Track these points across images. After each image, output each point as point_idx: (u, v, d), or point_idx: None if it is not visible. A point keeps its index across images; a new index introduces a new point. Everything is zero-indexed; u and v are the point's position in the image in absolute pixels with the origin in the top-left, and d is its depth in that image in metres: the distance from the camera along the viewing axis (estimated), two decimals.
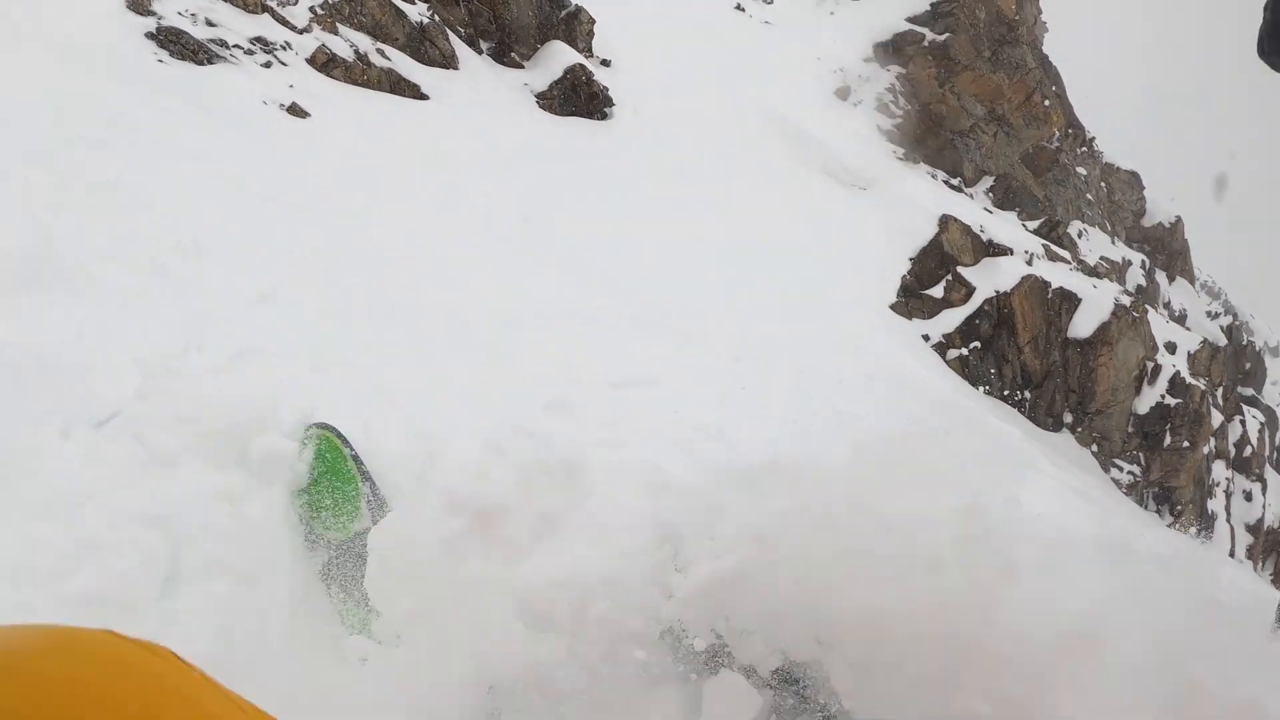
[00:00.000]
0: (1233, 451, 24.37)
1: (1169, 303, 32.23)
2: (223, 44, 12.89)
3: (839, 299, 16.13)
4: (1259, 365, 33.93)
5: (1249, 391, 31.04)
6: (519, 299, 8.60)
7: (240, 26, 13.46)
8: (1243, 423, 25.98)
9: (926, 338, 17.73)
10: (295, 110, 12.40)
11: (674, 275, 13.14)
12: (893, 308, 17.63)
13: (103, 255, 5.01)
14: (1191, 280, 36.36)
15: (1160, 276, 32.68)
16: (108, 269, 4.90)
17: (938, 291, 18.54)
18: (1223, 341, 30.07)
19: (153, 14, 12.47)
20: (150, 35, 12.05)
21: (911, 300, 18.09)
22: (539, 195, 13.43)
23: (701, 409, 7.03)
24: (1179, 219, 35.28)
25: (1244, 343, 33.48)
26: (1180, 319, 31.73)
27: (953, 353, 17.82)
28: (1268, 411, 30.86)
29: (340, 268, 7.05)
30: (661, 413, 6.54)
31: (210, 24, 13.11)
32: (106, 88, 9.58)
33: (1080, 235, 27.77)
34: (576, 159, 15.81)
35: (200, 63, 12.23)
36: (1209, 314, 35.15)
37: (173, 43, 12.13)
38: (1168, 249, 34.55)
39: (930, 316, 18.13)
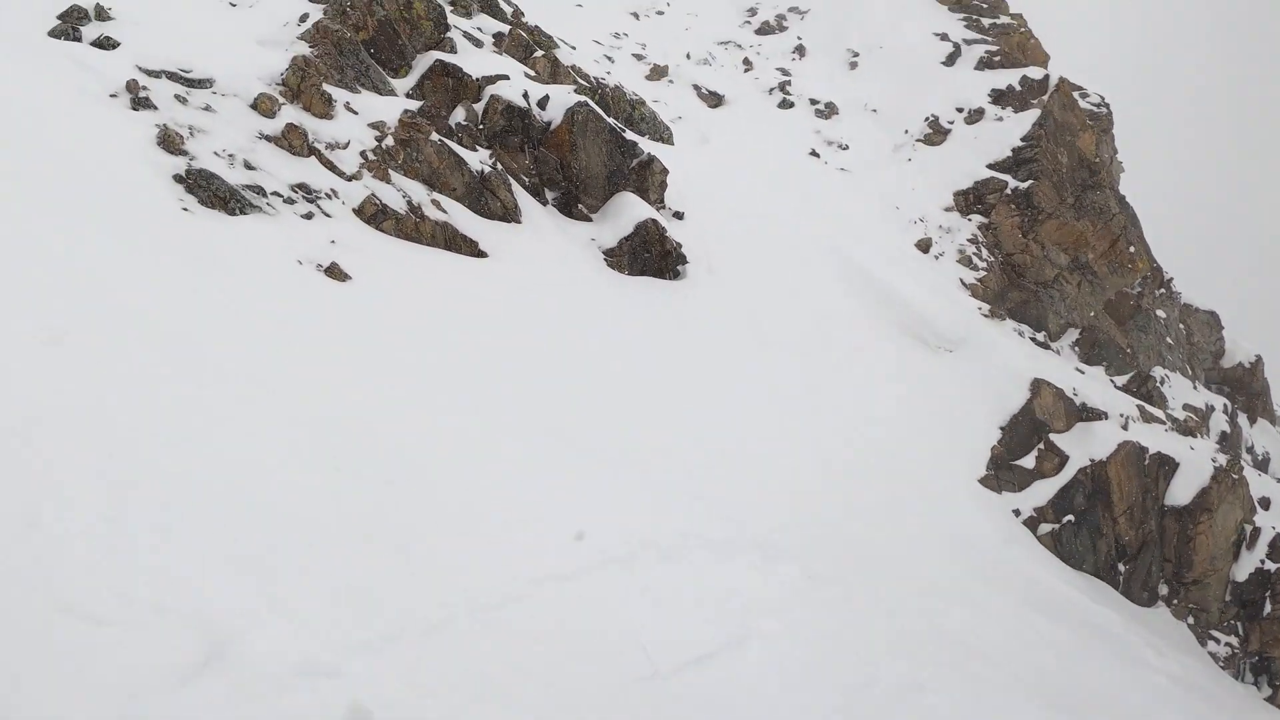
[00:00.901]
0: None
1: (1252, 447, 31.29)
2: (260, 191, 12.00)
3: (928, 480, 15.44)
4: None
5: None
6: (572, 541, 8.03)
7: (282, 171, 12.56)
8: None
9: (1017, 512, 16.96)
10: (334, 272, 11.46)
11: (757, 467, 12.53)
12: (982, 481, 16.90)
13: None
14: (1272, 420, 35.37)
15: (1242, 419, 31.77)
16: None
17: (1029, 462, 17.81)
18: None
19: (184, 153, 11.69)
20: (179, 178, 11.25)
21: (1001, 472, 17.36)
22: (604, 379, 12.59)
23: (805, 690, 6.53)
24: (1259, 358, 34.47)
25: None
26: (1264, 464, 30.72)
27: (1045, 527, 17.03)
28: None
29: (350, 527, 6.52)
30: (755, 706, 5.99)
31: (249, 166, 12.28)
32: (102, 251, 8.89)
33: (1163, 382, 27.02)
34: (648, 329, 14.96)
35: (231, 212, 11.37)
36: None
37: (202, 188, 11.31)
38: (1248, 390, 33.67)
39: (1021, 489, 17.39)
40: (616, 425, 11.45)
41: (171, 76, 12.85)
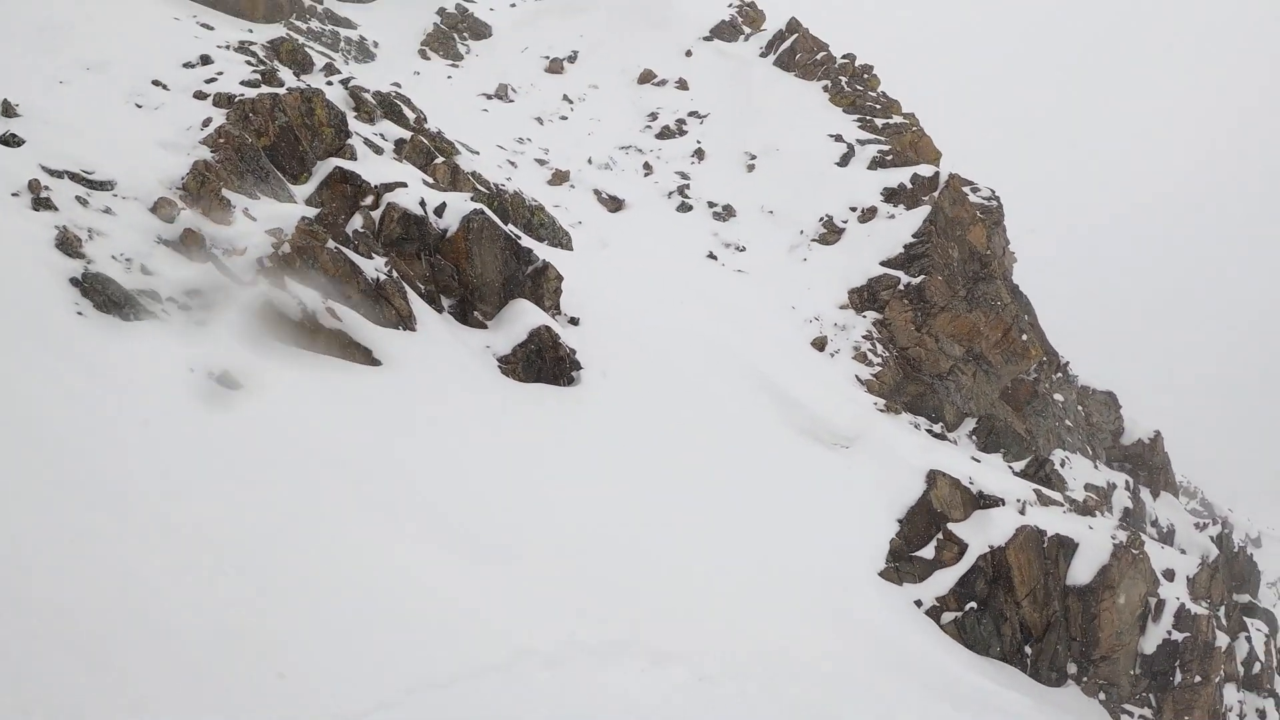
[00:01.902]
0: (1241, 671, 23.81)
1: (1156, 520, 32.02)
2: (155, 296, 11.99)
3: (828, 575, 15.63)
4: (1251, 569, 33.62)
5: (1245, 597, 30.59)
6: (461, 639, 8.03)
7: (178, 275, 12.54)
8: (1248, 638, 25.54)
9: (919, 603, 17.19)
10: (226, 380, 11.37)
11: (648, 569, 12.62)
12: (882, 574, 17.14)
13: None
14: (1175, 492, 36.32)
15: (1145, 494, 32.58)
16: None
17: (929, 552, 18.10)
18: (1215, 552, 29.75)
19: (82, 256, 11.68)
20: (75, 281, 11.20)
21: (902, 564, 17.63)
22: (491, 486, 12.64)
23: None
24: (1157, 433, 35.44)
25: (1235, 550, 33.22)
26: (1169, 536, 31.46)
27: (948, 616, 17.27)
28: (1267, 616, 30.54)
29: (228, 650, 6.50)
30: None
31: (146, 271, 12.27)
32: None
33: (1064, 464, 27.71)
34: (538, 435, 14.99)
35: (126, 317, 11.32)
36: (1197, 525, 35.01)
37: (97, 292, 11.26)
38: (1149, 465, 34.57)
39: (922, 579, 17.64)
40: (503, 532, 11.50)
41: (74, 177, 12.91)
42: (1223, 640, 20.94)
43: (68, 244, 11.70)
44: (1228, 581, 27.60)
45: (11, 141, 12.98)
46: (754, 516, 15.98)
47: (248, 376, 11.63)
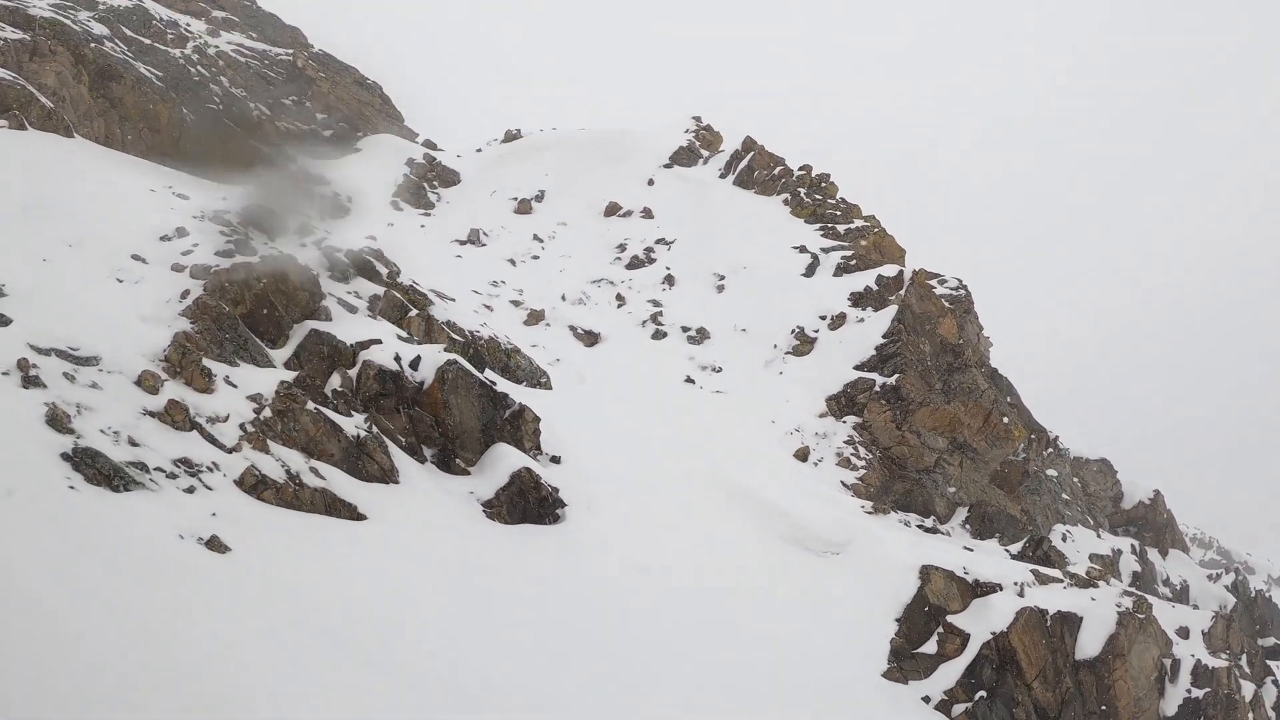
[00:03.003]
0: (1273, 716, 23.51)
1: (1167, 579, 32.00)
2: (143, 467, 12.32)
3: (830, 683, 15.67)
4: (1272, 611, 33.36)
5: (1270, 640, 30.25)
6: None
7: (165, 446, 12.91)
8: (1275, 682, 25.21)
9: (927, 699, 17.19)
10: (215, 544, 11.69)
11: (647, 701, 12.76)
12: (885, 675, 17.19)
13: None
14: (1184, 548, 36.30)
15: (1153, 554, 32.61)
16: None
17: (931, 647, 18.16)
18: (1231, 602, 29.62)
19: (72, 431, 12.03)
20: (66, 456, 11.56)
21: (904, 662, 17.69)
22: (479, 632, 12.75)
23: None
24: (1157, 493, 35.64)
25: (1253, 594, 33.03)
26: (1182, 594, 31.39)
27: (958, 708, 17.26)
28: None
29: None
30: None
31: (133, 443, 12.62)
32: None
33: (1065, 539, 27.81)
34: (526, 580, 15.02)
35: (116, 489, 11.65)
36: (1210, 577, 34.97)
37: (88, 465, 11.62)
38: (1153, 525, 34.71)
39: (927, 675, 17.67)
40: (494, 685, 11.66)
41: (60, 354, 13.33)
42: (1248, 689, 20.82)
43: (57, 420, 12.09)
44: (1248, 628, 27.43)
45: (0, 321, 13.45)
46: (751, 632, 16.08)
47: (236, 539, 11.94)
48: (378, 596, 12.43)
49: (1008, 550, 23.46)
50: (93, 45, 31.77)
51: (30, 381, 12.54)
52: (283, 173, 33.22)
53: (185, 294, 16.06)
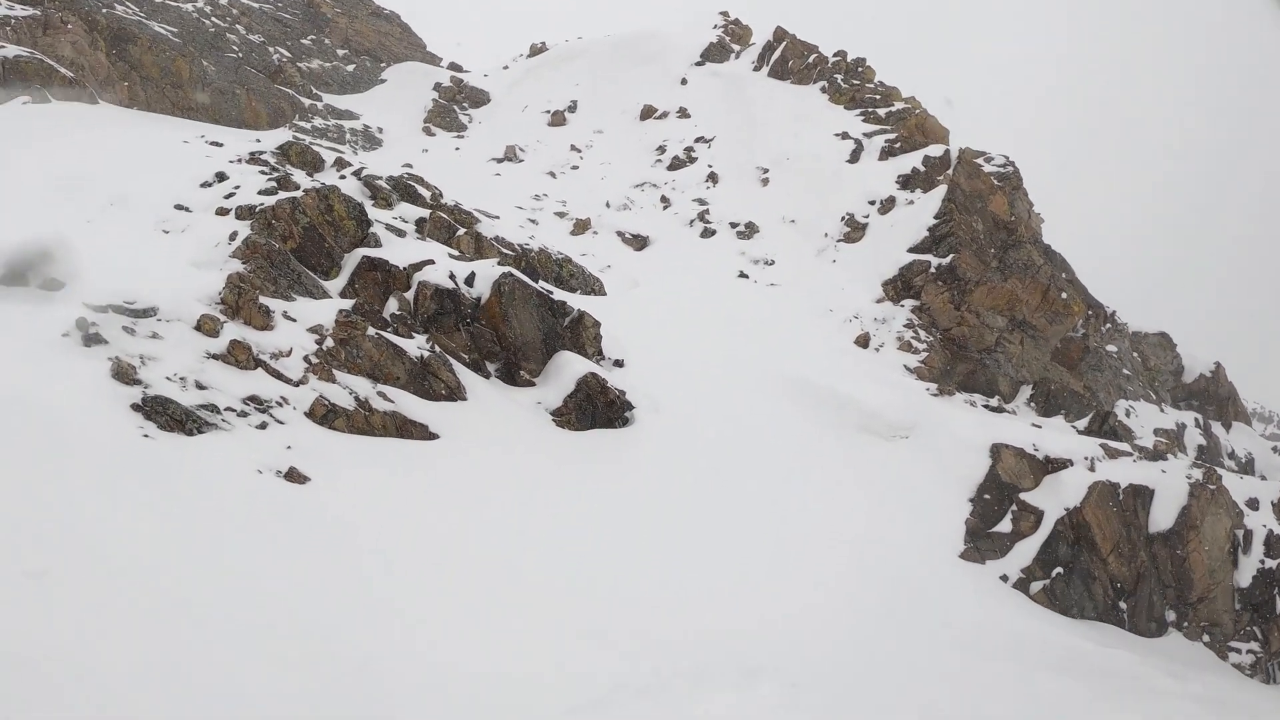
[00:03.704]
0: None
1: (1232, 452, 31.70)
2: (213, 409, 12.43)
3: (908, 567, 15.65)
4: None
5: None
6: (555, 686, 8.25)
7: (232, 386, 13.03)
8: None
9: (1005, 578, 17.20)
10: (293, 475, 11.85)
11: (730, 594, 12.74)
12: (963, 555, 17.19)
13: None
14: (1247, 421, 35.88)
15: (1217, 428, 32.27)
16: None
17: (1005, 526, 18.13)
18: None
19: (139, 382, 12.13)
20: (136, 406, 11.68)
21: (980, 542, 17.67)
22: (564, 537, 12.86)
23: None
24: (1218, 365, 35.10)
25: None
26: (1248, 466, 31.12)
27: (1036, 585, 17.27)
28: None
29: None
30: None
31: (201, 386, 12.72)
32: (73, 489, 9.22)
33: (1129, 414, 27.56)
34: (602, 480, 15.19)
35: (189, 433, 11.80)
36: (1275, 449, 34.63)
37: (159, 413, 11.75)
38: (1215, 398, 34.25)
39: (1004, 554, 17.66)
40: (585, 580, 11.77)
41: (117, 309, 13.39)
42: None
43: (123, 373, 12.18)
44: None
45: (53, 286, 13.54)
46: (825, 519, 16.09)
47: (313, 469, 12.08)
48: (457, 512, 12.55)
49: (1074, 426, 23.28)
50: (104, 11, 31.48)
51: (91, 339, 12.62)
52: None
53: (233, 236, 16.07)
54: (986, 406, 22.98)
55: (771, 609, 12.60)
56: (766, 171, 32.78)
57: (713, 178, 33.26)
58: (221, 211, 16.86)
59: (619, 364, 18.79)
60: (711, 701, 8.61)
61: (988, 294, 25.82)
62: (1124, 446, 20.86)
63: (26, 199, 16.27)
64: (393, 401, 14.66)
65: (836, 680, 10.10)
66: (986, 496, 18.58)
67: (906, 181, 29.44)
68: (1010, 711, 10.32)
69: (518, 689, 8.11)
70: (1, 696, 5.72)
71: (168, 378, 12.47)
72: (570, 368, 17.32)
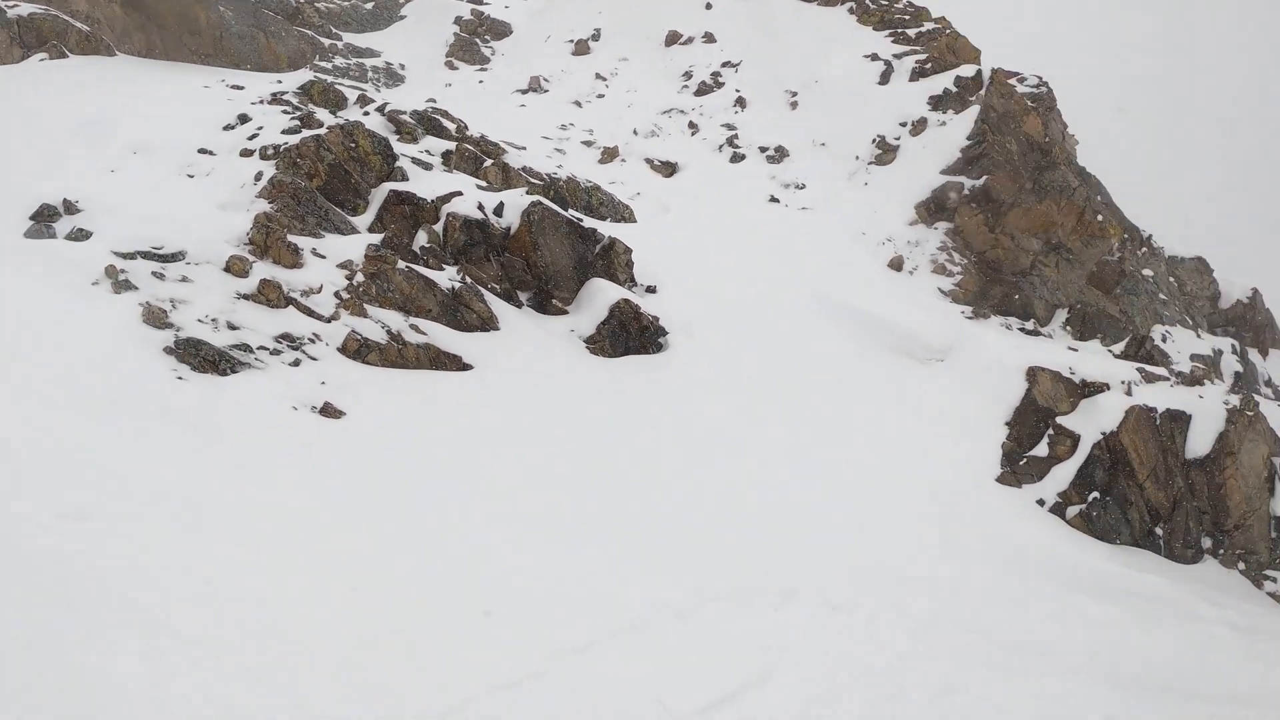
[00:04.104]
0: None
1: (1269, 379, 31.38)
2: (246, 348, 12.55)
3: (945, 489, 15.60)
4: None
5: None
6: (592, 607, 8.32)
7: (264, 325, 13.16)
8: None
9: (1041, 502, 17.09)
10: (328, 411, 11.97)
11: (767, 515, 12.79)
12: (999, 479, 17.09)
13: None
14: None
15: (1254, 355, 31.90)
16: None
17: (1042, 449, 17.96)
18: None
19: (170, 326, 12.26)
20: (169, 349, 11.82)
21: (1017, 466, 17.55)
22: (602, 464, 12.90)
23: (828, 711, 6.67)
24: (1255, 291, 34.62)
25: None
26: None
27: (1072, 510, 17.16)
28: None
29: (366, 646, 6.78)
30: None
31: (233, 327, 12.83)
32: (110, 432, 9.34)
33: (1165, 339, 27.21)
34: (636, 406, 15.27)
35: (223, 372, 11.93)
36: None
37: (192, 355, 11.88)
38: (1252, 324, 33.83)
39: (1040, 477, 17.53)
40: (622, 505, 11.84)
41: (145, 255, 13.52)
42: None
43: (154, 317, 12.27)
44: None
45: (80, 236, 13.60)
46: (861, 440, 16.05)
47: (348, 404, 12.24)
48: (493, 440, 12.64)
49: (1110, 351, 23.02)
50: None
51: (121, 286, 12.70)
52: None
53: (259, 176, 16.03)
54: (1022, 330, 22.76)
55: (809, 530, 12.65)
56: (795, 95, 32.31)
57: (740, 102, 32.82)
58: (245, 153, 16.82)
59: (651, 290, 18.77)
60: (749, 622, 8.63)
61: (1022, 216, 25.44)
62: (1161, 371, 20.60)
63: (50, 151, 16.28)
64: (425, 334, 14.70)
65: (874, 600, 10.10)
66: (1022, 420, 18.42)
67: (938, 103, 28.94)
68: (1049, 630, 10.31)
69: (556, 612, 8.14)
70: (45, 621, 5.79)
71: (199, 320, 12.60)
72: (602, 295, 17.32)
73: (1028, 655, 8.90)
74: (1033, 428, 18.36)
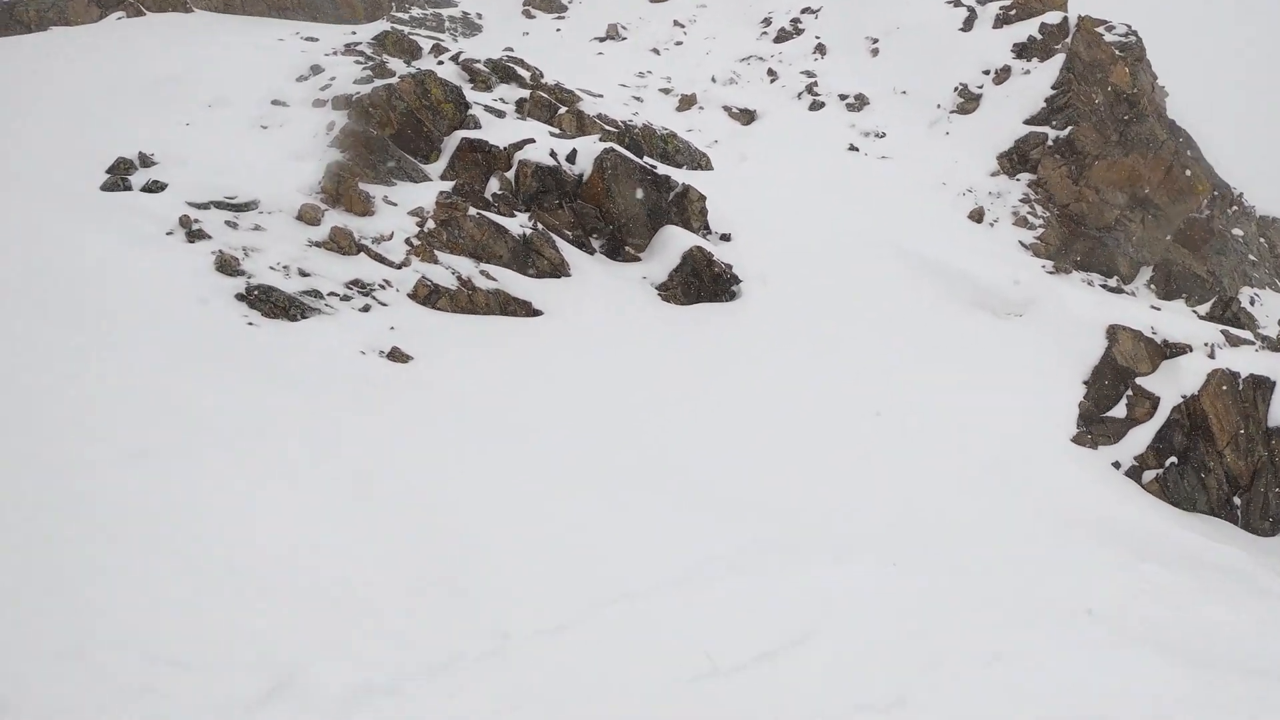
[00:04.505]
0: None
1: None
2: (316, 294, 12.70)
3: (1018, 448, 15.25)
4: None
5: None
6: (646, 557, 8.32)
7: (335, 272, 13.30)
8: None
9: (1117, 465, 16.69)
10: (396, 355, 12.08)
11: (833, 470, 12.64)
12: (1074, 440, 16.72)
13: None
14: None
15: None
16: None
17: (1120, 411, 17.55)
18: None
19: (242, 273, 12.44)
20: (240, 296, 11.99)
21: (1093, 427, 17.15)
22: (666, 412, 12.83)
23: (871, 672, 6.62)
24: None
25: None
26: None
27: (1148, 474, 16.76)
28: None
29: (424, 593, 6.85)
30: (821, 695, 6.08)
31: (304, 273, 12.99)
32: (184, 375, 9.53)
33: (1253, 302, 26.46)
34: (705, 354, 15.18)
35: (293, 318, 12.10)
36: None
37: (263, 301, 12.04)
38: None
39: (1117, 440, 17.12)
40: (685, 454, 11.78)
41: (219, 205, 13.71)
42: None
43: (226, 265, 12.46)
44: None
45: (155, 188, 13.81)
46: (933, 396, 15.73)
47: (416, 349, 12.35)
48: (560, 385, 12.67)
49: (1195, 311, 22.42)
50: None
51: (195, 235, 12.90)
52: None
53: (331, 126, 16.15)
54: (1104, 286, 22.25)
55: (874, 485, 12.50)
56: (876, 42, 31.73)
57: (820, 49, 32.31)
58: (319, 103, 16.96)
59: (726, 238, 18.69)
60: (805, 577, 8.56)
61: (1107, 169, 24.76)
62: (1246, 335, 20.01)
63: (127, 107, 16.52)
64: (495, 280, 14.76)
65: (934, 560, 9.97)
66: (1101, 380, 17.99)
67: (1022, 50, 28.21)
68: (1113, 598, 10.08)
69: (611, 559, 8.19)
70: (114, 556, 5.98)
71: (270, 267, 12.76)
72: (675, 242, 17.27)
73: (1087, 623, 8.71)
74: (1111, 388, 17.93)
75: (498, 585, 7.25)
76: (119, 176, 14.01)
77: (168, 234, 12.86)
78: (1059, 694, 6.57)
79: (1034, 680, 6.75)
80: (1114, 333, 18.61)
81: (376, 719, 5.24)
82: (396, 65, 18.40)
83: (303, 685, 5.35)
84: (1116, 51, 27.21)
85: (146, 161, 14.40)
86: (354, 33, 21.04)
